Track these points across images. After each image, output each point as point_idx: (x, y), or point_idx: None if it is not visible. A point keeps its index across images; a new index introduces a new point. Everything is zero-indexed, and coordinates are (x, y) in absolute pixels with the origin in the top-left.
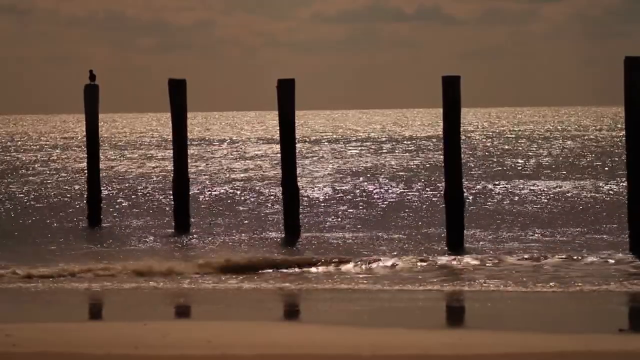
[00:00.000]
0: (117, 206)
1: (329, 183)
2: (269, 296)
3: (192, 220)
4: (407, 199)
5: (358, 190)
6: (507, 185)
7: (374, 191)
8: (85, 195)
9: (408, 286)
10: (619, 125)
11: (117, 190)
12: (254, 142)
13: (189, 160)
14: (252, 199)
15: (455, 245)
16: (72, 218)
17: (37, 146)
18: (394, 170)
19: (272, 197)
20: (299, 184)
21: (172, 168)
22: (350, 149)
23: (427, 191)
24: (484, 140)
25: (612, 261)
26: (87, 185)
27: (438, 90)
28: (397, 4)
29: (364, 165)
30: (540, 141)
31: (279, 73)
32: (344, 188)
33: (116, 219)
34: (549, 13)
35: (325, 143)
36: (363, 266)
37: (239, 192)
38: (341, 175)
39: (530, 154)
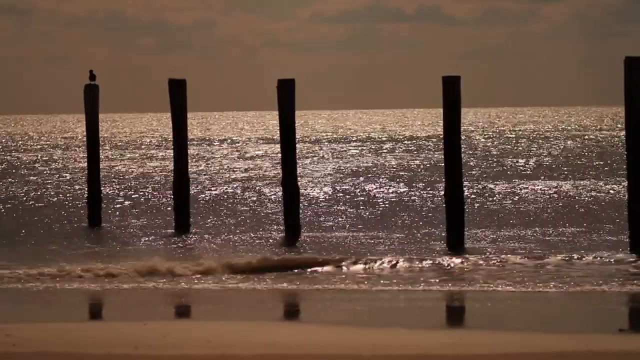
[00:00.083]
0: (117, 206)
1: (329, 183)
2: (269, 296)
3: (192, 220)
4: (407, 199)
5: (358, 190)
6: (507, 185)
7: (374, 191)
8: (86, 195)
9: (408, 286)
10: (619, 125)
11: (117, 190)
12: (254, 142)
13: (189, 160)
14: (252, 199)
15: (456, 245)
16: (72, 218)
17: (38, 146)
18: (394, 170)
19: (273, 197)
20: (299, 183)
21: (173, 168)
22: (350, 149)
23: (427, 191)
24: (483, 141)
25: (612, 261)
26: (87, 185)
27: (438, 90)
28: (397, 4)
29: (364, 165)
30: (540, 141)
31: (279, 73)
32: (344, 188)
33: (116, 219)
34: (549, 13)
35: (326, 143)
36: (363, 266)
37: (239, 192)
38: (341, 175)
39: (531, 154)
